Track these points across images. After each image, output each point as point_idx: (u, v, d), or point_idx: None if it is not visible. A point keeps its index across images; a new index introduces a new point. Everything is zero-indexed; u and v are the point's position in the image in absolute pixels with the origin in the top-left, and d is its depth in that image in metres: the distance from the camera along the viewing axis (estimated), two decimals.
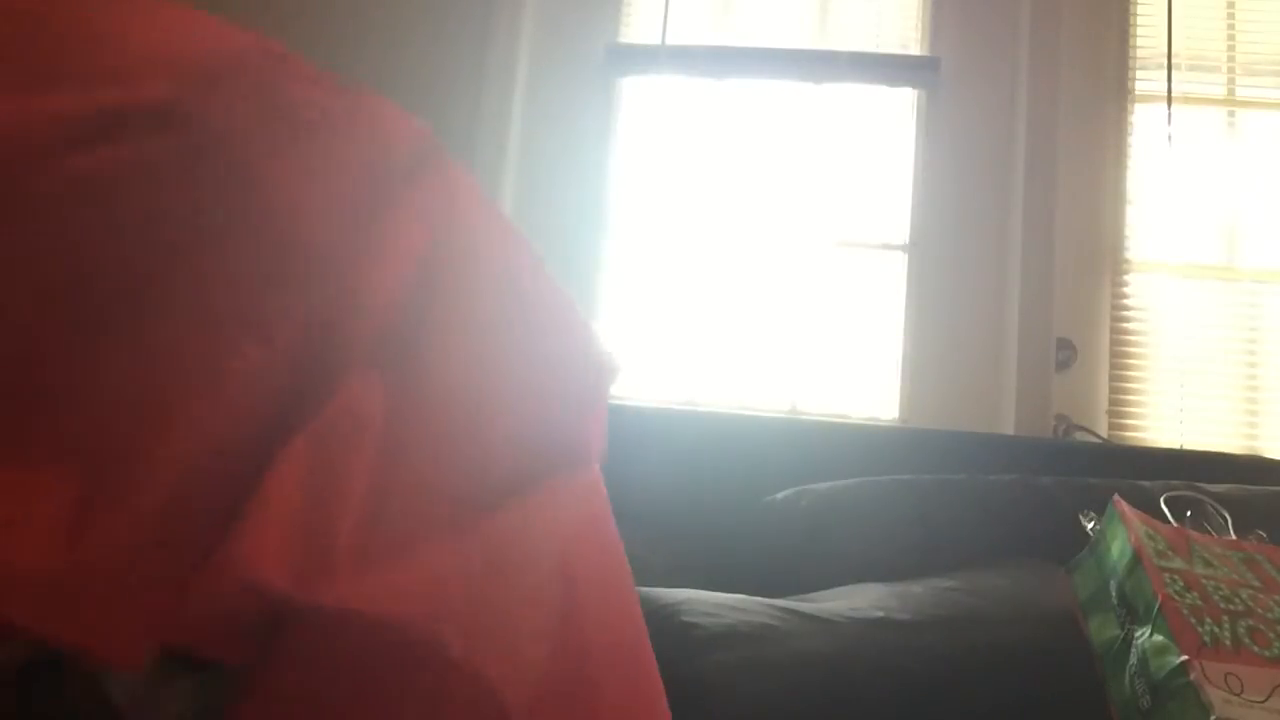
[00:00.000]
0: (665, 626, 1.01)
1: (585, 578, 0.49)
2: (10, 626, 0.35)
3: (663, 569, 1.38)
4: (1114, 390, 2.73)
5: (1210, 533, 0.98)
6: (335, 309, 0.43)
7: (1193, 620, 0.81)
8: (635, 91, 3.00)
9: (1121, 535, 0.92)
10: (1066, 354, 2.69)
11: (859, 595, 1.12)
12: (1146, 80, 2.85)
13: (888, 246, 2.86)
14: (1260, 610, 0.84)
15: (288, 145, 0.45)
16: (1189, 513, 1.02)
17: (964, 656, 0.98)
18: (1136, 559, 0.88)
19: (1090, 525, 1.00)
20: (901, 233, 2.85)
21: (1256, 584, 0.88)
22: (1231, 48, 2.86)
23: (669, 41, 2.96)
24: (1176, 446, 2.59)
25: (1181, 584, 0.85)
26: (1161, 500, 1.03)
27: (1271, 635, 0.81)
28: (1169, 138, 2.78)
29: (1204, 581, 0.86)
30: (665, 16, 2.97)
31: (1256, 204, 2.76)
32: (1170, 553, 0.90)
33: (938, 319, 2.77)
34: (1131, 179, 2.81)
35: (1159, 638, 0.81)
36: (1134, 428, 2.71)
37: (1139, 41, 2.88)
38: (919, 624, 1.03)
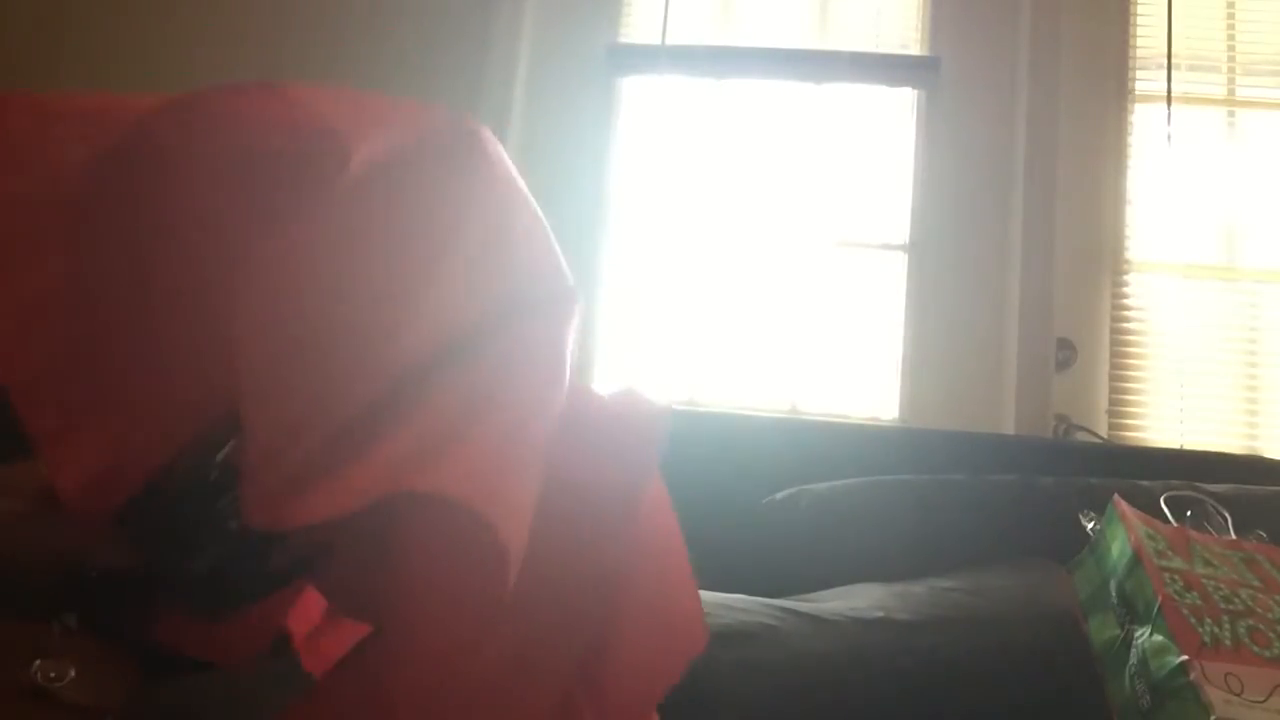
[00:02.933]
0: None
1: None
2: None
3: None
4: (1114, 390, 2.72)
5: (1210, 533, 0.98)
6: None
7: (1193, 620, 0.81)
8: (635, 91, 3.00)
9: (1121, 535, 0.92)
10: (1066, 354, 2.69)
11: (859, 595, 1.12)
12: (1146, 80, 2.85)
13: (888, 246, 2.86)
14: (1260, 610, 0.84)
15: None
16: (1189, 513, 1.01)
17: (964, 656, 0.98)
18: (1136, 559, 0.88)
19: (1090, 525, 1.00)
20: (901, 233, 2.85)
21: (1256, 584, 0.88)
22: (1231, 48, 2.86)
23: (669, 41, 2.96)
24: (1176, 446, 2.58)
25: (1181, 584, 0.85)
26: (1161, 500, 1.03)
27: (1271, 635, 0.81)
28: (1169, 138, 2.78)
29: (1204, 581, 0.86)
30: (665, 16, 2.97)
31: (1256, 204, 2.76)
32: (1170, 553, 0.89)
33: (938, 319, 2.76)
34: (1131, 179, 2.81)
35: (1159, 638, 0.80)
36: (1134, 428, 2.71)
37: (1139, 41, 2.87)
38: (919, 624, 1.03)
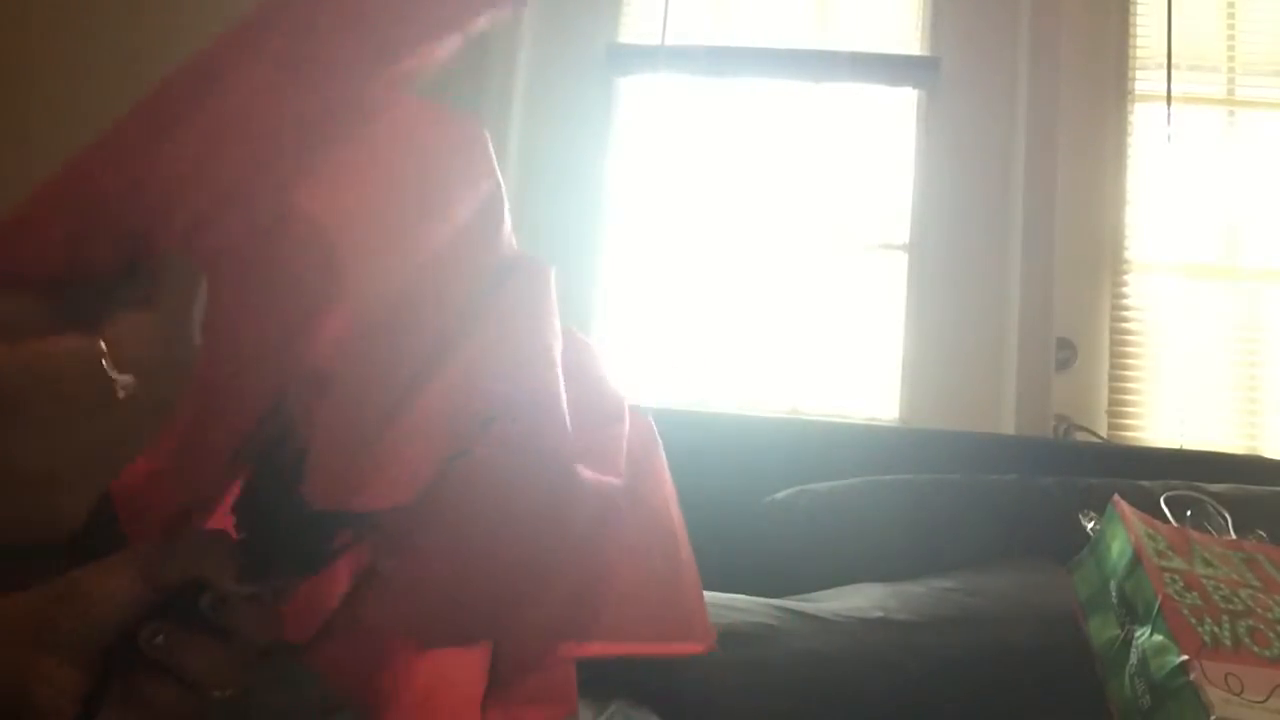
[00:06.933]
0: None
1: None
2: None
3: None
4: (1114, 390, 2.73)
5: (1210, 533, 0.98)
6: None
7: (1193, 620, 0.81)
8: (635, 91, 3.00)
9: (1121, 535, 0.92)
10: (1066, 354, 2.69)
11: (859, 595, 1.12)
12: (1146, 80, 2.85)
13: (888, 246, 2.86)
14: (1260, 610, 0.84)
15: None
16: (1189, 513, 1.01)
17: (963, 656, 0.98)
18: (1136, 559, 0.88)
19: (1090, 525, 1.00)
20: (901, 233, 2.85)
21: (1256, 584, 0.88)
22: (1231, 48, 2.86)
23: (669, 41, 2.96)
24: (1176, 446, 2.58)
25: (1181, 584, 0.85)
26: (1161, 500, 1.03)
27: (1271, 635, 0.81)
28: (1169, 138, 2.78)
29: (1204, 581, 0.86)
30: (665, 16, 2.97)
31: (1256, 204, 2.76)
32: (1170, 553, 0.89)
33: (938, 319, 2.76)
34: (1131, 179, 2.81)
35: (1159, 638, 0.80)
36: (1134, 428, 2.71)
37: (1139, 41, 2.88)
38: (918, 624, 1.03)
